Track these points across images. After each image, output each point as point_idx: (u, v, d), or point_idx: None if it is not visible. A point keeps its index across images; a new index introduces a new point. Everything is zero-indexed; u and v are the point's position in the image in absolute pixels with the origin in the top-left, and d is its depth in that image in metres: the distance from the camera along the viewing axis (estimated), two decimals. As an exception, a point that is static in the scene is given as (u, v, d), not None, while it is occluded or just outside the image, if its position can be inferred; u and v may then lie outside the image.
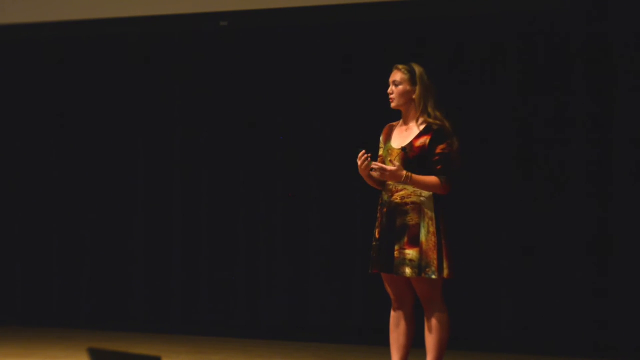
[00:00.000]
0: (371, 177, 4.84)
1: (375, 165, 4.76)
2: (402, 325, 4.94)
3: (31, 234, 7.94)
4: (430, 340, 4.85)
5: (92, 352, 3.23)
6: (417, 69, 4.89)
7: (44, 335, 7.33)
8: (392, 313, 4.97)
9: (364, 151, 4.78)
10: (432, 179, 4.77)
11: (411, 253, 4.77)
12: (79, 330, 7.52)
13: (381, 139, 5.01)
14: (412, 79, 4.87)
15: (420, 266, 4.75)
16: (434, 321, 4.84)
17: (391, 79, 4.91)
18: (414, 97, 4.87)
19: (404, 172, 4.73)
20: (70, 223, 7.82)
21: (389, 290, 4.95)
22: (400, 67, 4.91)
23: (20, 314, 7.92)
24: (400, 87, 4.88)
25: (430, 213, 4.79)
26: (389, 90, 4.91)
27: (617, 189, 6.43)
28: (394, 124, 5.00)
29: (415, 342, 4.99)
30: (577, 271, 6.49)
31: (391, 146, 4.89)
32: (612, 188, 6.45)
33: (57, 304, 7.83)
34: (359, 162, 4.78)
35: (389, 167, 4.74)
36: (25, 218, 7.97)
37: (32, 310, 7.90)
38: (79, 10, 7.49)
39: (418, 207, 4.79)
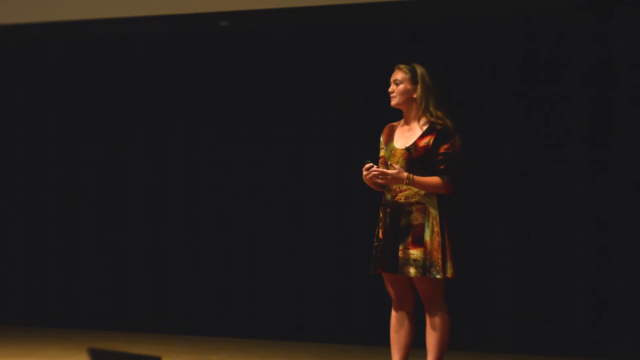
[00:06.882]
0: (376, 182, 4.86)
1: (376, 170, 4.77)
2: (403, 325, 4.94)
3: (31, 234, 7.94)
4: (431, 340, 4.85)
5: (92, 352, 3.23)
6: (419, 69, 4.91)
7: (44, 335, 7.32)
8: (393, 313, 4.97)
9: (369, 164, 4.79)
10: (435, 180, 4.77)
11: (415, 253, 4.77)
12: (79, 330, 7.52)
13: (382, 139, 5.01)
14: (413, 78, 4.89)
15: (424, 266, 4.75)
16: (435, 321, 4.84)
17: (392, 78, 4.93)
18: (414, 96, 4.88)
19: (405, 174, 4.74)
20: (70, 223, 7.82)
21: (389, 290, 4.95)
22: (402, 66, 4.93)
23: (20, 314, 7.92)
24: (401, 86, 4.89)
25: (434, 213, 4.79)
26: (390, 89, 4.92)
27: (619, 189, 6.43)
28: (395, 124, 5.01)
29: (415, 342, 4.99)
30: (577, 271, 6.49)
31: (394, 146, 4.89)
32: (614, 188, 6.45)
33: (57, 304, 7.83)
34: (365, 173, 4.80)
35: (390, 171, 4.74)
36: (24, 217, 7.97)
37: (32, 310, 7.90)
38: (80, 11, 7.48)
39: (422, 207, 4.79)
